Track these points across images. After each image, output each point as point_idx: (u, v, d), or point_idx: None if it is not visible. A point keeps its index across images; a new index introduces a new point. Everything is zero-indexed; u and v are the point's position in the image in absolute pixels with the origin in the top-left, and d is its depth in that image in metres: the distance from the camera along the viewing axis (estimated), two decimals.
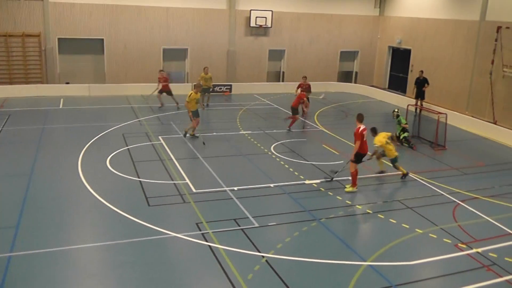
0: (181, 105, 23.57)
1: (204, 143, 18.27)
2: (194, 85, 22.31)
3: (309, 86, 23.73)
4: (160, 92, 24.28)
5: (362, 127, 14.28)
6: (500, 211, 13.72)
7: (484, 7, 25.11)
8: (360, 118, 14.51)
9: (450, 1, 27.79)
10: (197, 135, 19.25)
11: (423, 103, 25.90)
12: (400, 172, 15.81)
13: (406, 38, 31.47)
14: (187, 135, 19.24)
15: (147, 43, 28.66)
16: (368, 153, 14.67)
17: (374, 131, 15.62)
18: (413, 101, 25.36)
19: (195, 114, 18.95)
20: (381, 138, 15.56)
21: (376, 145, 15.32)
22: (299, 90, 23.31)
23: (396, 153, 15.79)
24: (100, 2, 27.28)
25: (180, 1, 28.77)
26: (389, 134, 16.15)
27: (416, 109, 24.33)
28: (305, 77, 24.08)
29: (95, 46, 28.00)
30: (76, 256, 10.21)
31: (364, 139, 14.31)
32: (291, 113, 21.57)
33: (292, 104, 21.54)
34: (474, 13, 25.79)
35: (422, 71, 26.20)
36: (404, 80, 31.93)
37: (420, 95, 26.00)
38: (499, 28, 23.28)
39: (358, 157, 14.36)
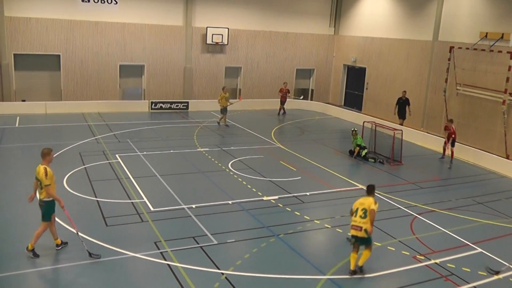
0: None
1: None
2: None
3: (288, 90, 30.32)
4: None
5: None
6: (457, 223, 14.10)
7: (436, 28, 25.90)
8: None
9: (403, 22, 28.52)
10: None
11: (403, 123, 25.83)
12: None
13: (361, 57, 32.08)
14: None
15: (104, 60, 28.23)
16: None
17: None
18: (368, 118, 25.52)
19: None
20: None
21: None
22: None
23: None
24: (56, 17, 26.72)
25: (136, 17, 28.53)
26: None
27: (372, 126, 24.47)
28: (286, 83, 30.60)
29: (51, 62, 27.36)
30: (32, 279, 9.94)
31: None
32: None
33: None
34: (427, 34, 26.54)
35: (405, 91, 26.14)
36: (360, 97, 32.49)
37: (402, 115, 26.06)
38: (451, 48, 24.00)
39: None
